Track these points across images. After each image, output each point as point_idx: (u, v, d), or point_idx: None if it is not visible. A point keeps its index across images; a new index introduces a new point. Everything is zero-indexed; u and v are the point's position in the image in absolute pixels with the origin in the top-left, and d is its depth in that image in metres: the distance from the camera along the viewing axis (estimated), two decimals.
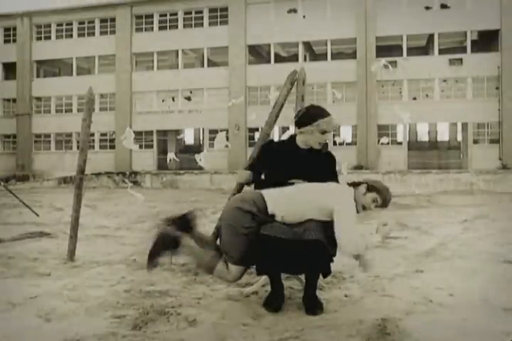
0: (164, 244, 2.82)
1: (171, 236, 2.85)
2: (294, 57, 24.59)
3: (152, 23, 25.87)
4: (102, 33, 26.74)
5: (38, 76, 28.22)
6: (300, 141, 3.18)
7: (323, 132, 3.09)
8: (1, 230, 6.19)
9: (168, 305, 2.85)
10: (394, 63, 21.87)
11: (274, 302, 2.88)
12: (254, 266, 2.89)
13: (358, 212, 2.90)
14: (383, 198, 2.94)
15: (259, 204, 2.81)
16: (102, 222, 7.35)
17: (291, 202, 2.82)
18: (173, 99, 25.62)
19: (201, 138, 27.89)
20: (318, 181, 2.99)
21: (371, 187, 2.93)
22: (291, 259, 2.74)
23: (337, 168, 3.28)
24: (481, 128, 21.89)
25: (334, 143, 22.59)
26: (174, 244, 2.84)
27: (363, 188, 2.92)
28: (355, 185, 2.97)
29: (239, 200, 2.86)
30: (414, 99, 22.61)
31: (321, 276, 2.89)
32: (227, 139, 23.05)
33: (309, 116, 3.12)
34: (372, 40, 22.63)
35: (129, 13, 25.85)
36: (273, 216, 2.80)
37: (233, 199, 2.96)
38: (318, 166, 3.13)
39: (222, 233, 2.87)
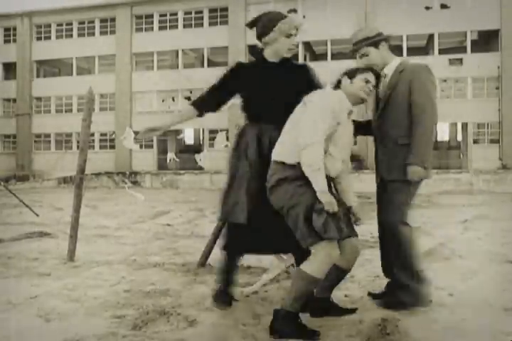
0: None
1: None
2: (294, 57, 24.53)
3: (152, 23, 25.87)
4: (102, 33, 26.75)
5: (38, 76, 28.22)
6: (268, 54, 2.91)
7: (288, 35, 2.85)
8: (1, 230, 6.18)
9: (168, 305, 2.85)
10: None
11: (223, 297, 2.80)
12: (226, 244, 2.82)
13: (362, 102, 2.60)
14: (374, 72, 2.61)
15: None
16: (102, 222, 7.35)
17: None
18: (173, 99, 25.61)
19: (201, 138, 27.88)
20: (297, 94, 2.65)
21: (353, 71, 2.63)
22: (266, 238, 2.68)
23: None
24: (481, 128, 21.89)
25: None
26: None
27: (345, 78, 2.61)
28: (337, 83, 2.66)
29: None
30: None
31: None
32: (227, 139, 23.07)
33: (267, 22, 2.87)
34: None
35: (129, 13, 25.84)
36: None
37: None
38: (294, 77, 2.87)
39: None
